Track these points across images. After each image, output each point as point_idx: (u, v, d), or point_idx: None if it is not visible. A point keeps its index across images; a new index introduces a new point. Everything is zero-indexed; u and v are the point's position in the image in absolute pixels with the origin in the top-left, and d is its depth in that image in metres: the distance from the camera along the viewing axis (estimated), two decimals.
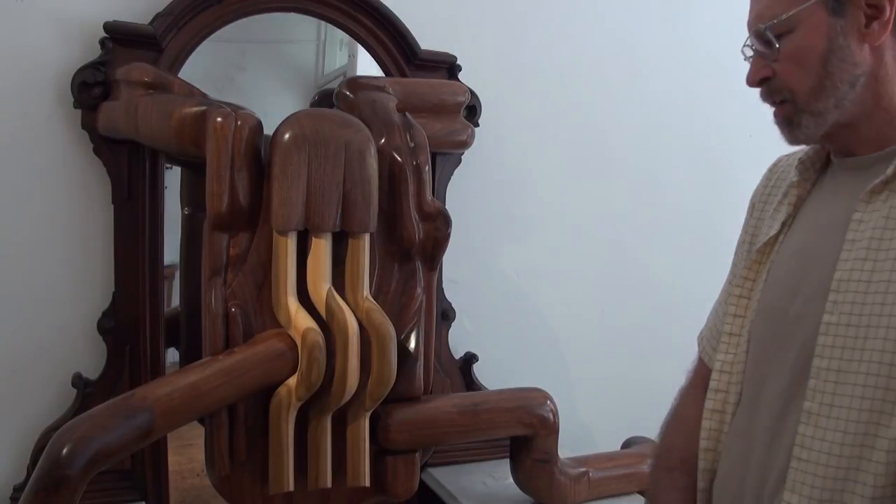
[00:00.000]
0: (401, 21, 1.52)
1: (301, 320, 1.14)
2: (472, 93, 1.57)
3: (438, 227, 1.30)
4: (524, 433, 1.37)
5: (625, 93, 1.79)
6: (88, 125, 1.34)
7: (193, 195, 1.39)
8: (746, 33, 0.87)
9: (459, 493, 1.45)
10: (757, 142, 1.24)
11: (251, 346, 1.15)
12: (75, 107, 1.34)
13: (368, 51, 1.54)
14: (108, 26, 1.33)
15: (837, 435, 0.76)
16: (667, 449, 1.02)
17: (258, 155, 1.15)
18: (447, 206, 1.39)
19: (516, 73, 1.70)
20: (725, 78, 1.51)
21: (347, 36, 1.54)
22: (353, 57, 1.61)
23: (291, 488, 1.18)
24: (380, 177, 1.21)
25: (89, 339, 1.38)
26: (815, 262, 0.83)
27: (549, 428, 1.37)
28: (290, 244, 1.15)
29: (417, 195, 1.28)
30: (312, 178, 1.14)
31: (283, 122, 1.15)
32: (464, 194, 1.62)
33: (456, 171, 1.61)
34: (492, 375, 1.64)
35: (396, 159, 1.26)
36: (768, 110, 0.89)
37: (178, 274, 1.47)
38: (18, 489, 1.29)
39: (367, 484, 1.24)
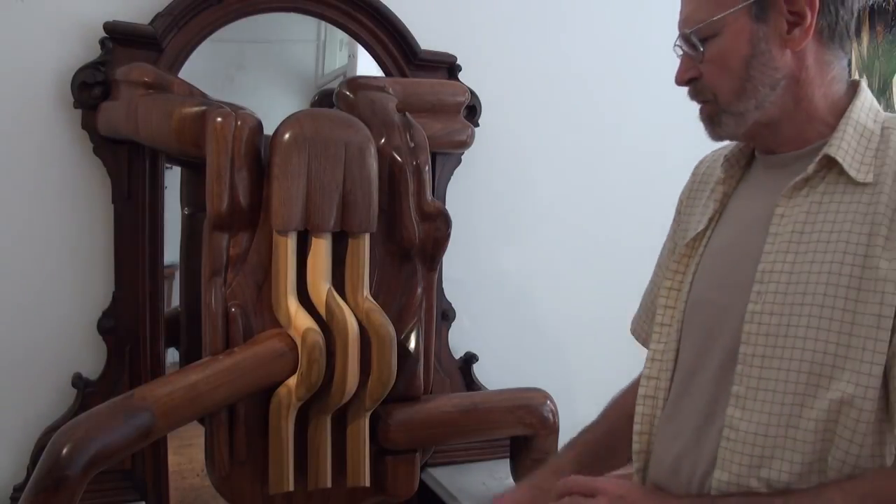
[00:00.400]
0: (401, 21, 1.52)
1: (301, 320, 1.14)
2: (472, 93, 1.57)
3: (438, 227, 1.30)
4: (524, 433, 1.37)
5: (625, 92, 1.79)
6: (88, 125, 1.34)
7: (193, 195, 1.39)
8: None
9: (459, 493, 1.45)
10: None
11: (251, 346, 1.15)
12: (75, 107, 1.34)
13: (368, 51, 1.54)
14: (108, 26, 1.33)
15: (763, 416, 0.81)
16: (600, 418, 1.09)
17: (258, 155, 1.15)
18: (447, 206, 1.39)
19: (516, 73, 1.70)
20: None
21: (347, 36, 1.54)
22: (353, 57, 1.62)
23: (291, 488, 1.18)
24: (380, 177, 1.21)
25: (89, 339, 1.38)
26: (741, 255, 0.87)
27: (549, 428, 1.37)
28: (290, 244, 1.15)
29: (417, 195, 1.28)
30: (312, 178, 1.14)
31: (283, 122, 1.16)
32: (464, 194, 1.62)
33: (456, 171, 1.61)
34: (492, 375, 1.64)
35: (396, 159, 1.26)
36: None
37: (178, 274, 1.47)
38: (18, 489, 1.29)
39: (367, 484, 1.24)
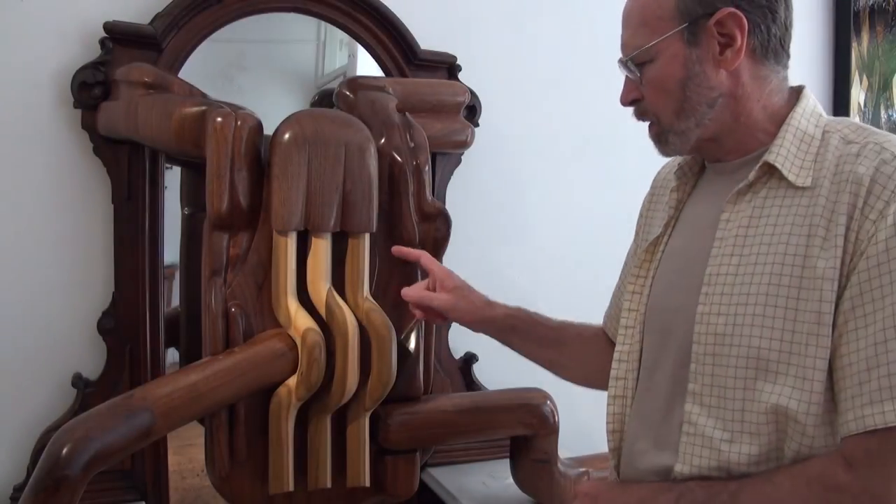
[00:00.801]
0: (401, 21, 1.52)
1: (301, 320, 1.14)
2: (472, 93, 1.57)
3: (438, 227, 1.30)
4: (524, 433, 1.37)
5: None
6: (88, 125, 1.34)
7: (193, 195, 1.39)
8: None
9: (459, 493, 1.44)
10: None
11: (251, 346, 1.15)
12: (75, 107, 1.34)
13: (368, 51, 1.54)
14: (108, 26, 1.33)
15: (719, 411, 0.86)
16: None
17: (258, 155, 1.15)
18: (447, 206, 1.39)
19: (516, 73, 1.70)
20: None
21: (347, 36, 1.54)
22: (353, 57, 1.61)
23: (291, 488, 1.18)
24: (380, 177, 1.21)
25: (89, 339, 1.38)
26: (692, 259, 0.92)
27: (549, 428, 1.38)
28: (290, 244, 1.15)
29: (417, 195, 1.28)
30: (312, 178, 1.14)
31: (283, 122, 1.15)
32: (464, 194, 1.62)
33: (456, 171, 1.61)
34: (492, 375, 1.63)
35: (396, 159, 1.26)
36: None
37: (178, 274, 1.47)
38: (18, 489, 1.29)
39: (367, 484, 1.24)
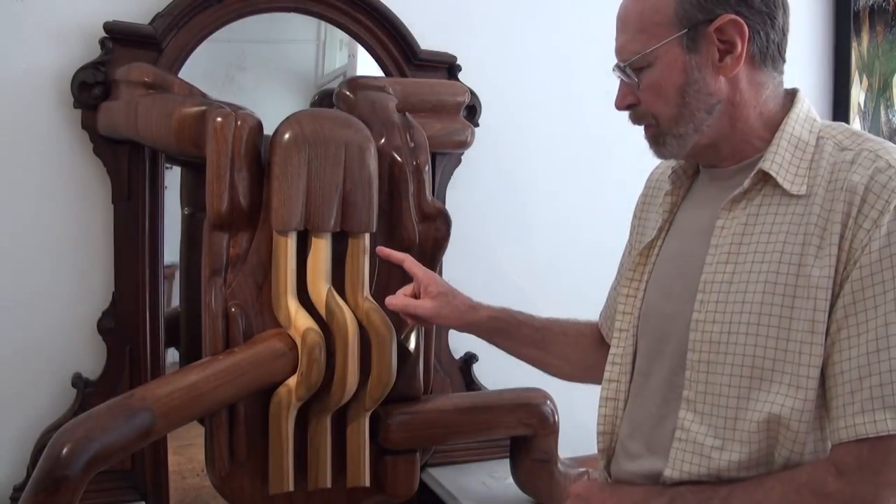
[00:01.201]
0: (401, 21, 1.52)
1: (301, 320, 1.14)
2: (472, 93, 1.57)
3: (438, 227, 1.30)
4: (524, 433, 1.37)
5: None
6: (88, 125, 1.34)
7: (193, 195, 1.39)
8: None
9: (459, 493, 1.44)
10: None
11: (251, 346, 1.15)
12: (75, 107, 1.34)
13: (368, 51, 1.54)
14: (108, 26, 1.33)
15: (712, 419, 0.86)
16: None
17: (258, 155, 1.15)
18: (447, 206, 1.39)
19: (516, 73, 1.70)
20: None
21: (347, 36, 1.54)
22: (353, 57, 1.61)
23: (291, 488, 1.18)
24: (380, 177, 1.21)
25: (89, 339, 1.38)
26: (687, 265, 0.92)
27: (549, 428, 1.38)
28: (290, 244, 1.15)
29: (417, 195, 1.28)
30: (312, 178, 1.14)
31: (283, 122, 1.16)
32: (464, 194, 1.62)
33: (456, 171, 1.61)
34: (492, 375, 1.63)
35: (396, 159, 1.26)
36: None
37: (178, 274, 1.47)
38: (18, 489, 1.29)
39: (367, 484, 1.24)
